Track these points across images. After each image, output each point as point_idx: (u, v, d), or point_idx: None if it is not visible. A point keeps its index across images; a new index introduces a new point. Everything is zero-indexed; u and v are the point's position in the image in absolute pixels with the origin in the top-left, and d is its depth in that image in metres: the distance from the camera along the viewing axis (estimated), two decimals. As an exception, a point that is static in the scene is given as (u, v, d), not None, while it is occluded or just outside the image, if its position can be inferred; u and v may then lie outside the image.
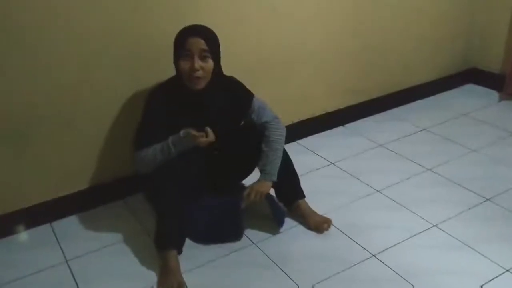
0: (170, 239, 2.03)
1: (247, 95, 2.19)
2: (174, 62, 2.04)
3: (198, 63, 1.97)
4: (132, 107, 2.30)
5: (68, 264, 2.06)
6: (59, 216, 2.33)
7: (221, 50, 2.07)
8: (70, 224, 2.32)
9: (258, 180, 2.12)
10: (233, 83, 2.19)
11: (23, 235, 2.25)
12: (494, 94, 3.49)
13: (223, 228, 2.16)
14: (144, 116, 2.11)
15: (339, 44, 2.95)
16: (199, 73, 1.98)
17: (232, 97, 2.16)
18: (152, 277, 1.98)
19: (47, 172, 2.26)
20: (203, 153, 2.12)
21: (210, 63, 2.00)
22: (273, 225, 2.22)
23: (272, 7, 2.60)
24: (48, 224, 2.30)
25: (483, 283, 1.89)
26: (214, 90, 2.07)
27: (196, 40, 1.97)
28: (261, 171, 2.14)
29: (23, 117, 2.11)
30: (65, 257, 2.10)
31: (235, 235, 2.16)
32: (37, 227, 2.29)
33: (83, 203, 2.38)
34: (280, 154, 2.14)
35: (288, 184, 2.25)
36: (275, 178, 2.12)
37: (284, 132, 2.19)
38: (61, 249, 2.15)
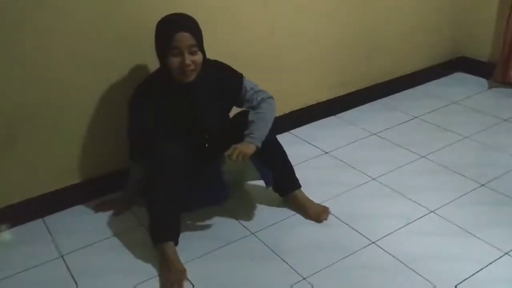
0: (166, 231, 1.99)
1: (237, 77, 2.14)
2: (159, 56, 1.99)
3: (189, 58, 1.93)
4: (122, 99, 2.23)
5: (63, 259, 2.02)
6: (52, 211, 2.29)
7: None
8: (63, 218, 2.27)
9: (241, 142, 2.02)
10: (220, 68, 2.14)
11: (15, 231, 2.20)
12: (483, 82, 3.52)
13: (209, 189, 2.07)
14: (132, 124, 2.10)
15: (330, 35, 2.94)
16: (191, 67, 1.95)
17: (221, 81, 2.11)
18: (150, 270, 1.95)
19: (38, 166, 2.21)
20: (194, 145, 2.11)
21: (199, 56, 1.97)
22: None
23: (263, 0, 2.58)
24: (40, 220, 2.26)
25: (482, 266, 1.90)
26: (203, 79, 2.03)
27: (184, 36, 1.92)
28: (245, 136, 2.04)
29: (12, 114, 2.07)
30: (60, 252, 2.06)
31: (222, 193, 2.06)
32: (29, 223, 2.24)
33: (76, 197, 2.34)
34: (267, 124, 2.08)
35: (283, 174, 2.23)
36: (259, 144, 2.03)
37: (274, 106, 2.14)
38: (56, 244, 2.11)
